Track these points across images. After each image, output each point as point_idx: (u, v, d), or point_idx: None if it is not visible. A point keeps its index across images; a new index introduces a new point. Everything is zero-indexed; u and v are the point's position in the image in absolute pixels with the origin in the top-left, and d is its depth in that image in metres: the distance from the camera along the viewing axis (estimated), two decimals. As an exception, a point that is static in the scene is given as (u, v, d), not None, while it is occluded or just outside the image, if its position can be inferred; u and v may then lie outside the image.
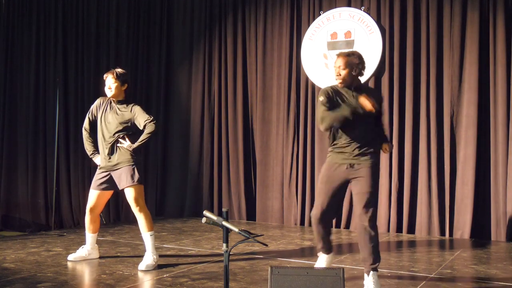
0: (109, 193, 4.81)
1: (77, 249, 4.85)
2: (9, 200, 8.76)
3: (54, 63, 8.51)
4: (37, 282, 4.00)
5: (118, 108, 4.65)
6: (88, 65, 8.32)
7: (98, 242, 4.94)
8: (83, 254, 4.78)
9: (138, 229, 4.69)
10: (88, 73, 8.29)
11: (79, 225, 8.02)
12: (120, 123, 4.61)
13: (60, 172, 8.31)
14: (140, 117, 4.58)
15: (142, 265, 4.47)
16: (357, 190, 3.89)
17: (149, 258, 4.53)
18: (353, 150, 3.90)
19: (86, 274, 4.42)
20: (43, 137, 8.54)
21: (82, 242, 4.99)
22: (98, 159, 4.73)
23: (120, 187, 4.65)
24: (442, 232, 6.34)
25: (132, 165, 4.58)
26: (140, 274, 4.32)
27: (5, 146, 8.82)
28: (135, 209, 4.60)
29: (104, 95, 4.73)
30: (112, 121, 4.62)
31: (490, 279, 4.31)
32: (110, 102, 4.70)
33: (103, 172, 4.69)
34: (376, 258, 3.84)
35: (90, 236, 4.82)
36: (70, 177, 8.35)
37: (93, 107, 4.79)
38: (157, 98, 8.10)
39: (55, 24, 8.55)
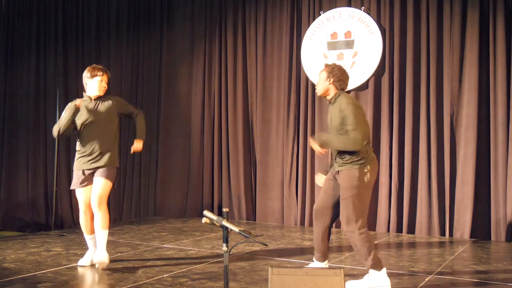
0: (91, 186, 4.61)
1: (77, 249, 4.84)
2: (9, 200, 8.76)
3: (54, 63, 8.50)
4: (37, 282, 4.00)
5: (103, 103, 4.64)
6: (88, 65, 8.27)
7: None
8: (92, 258, 4.59)
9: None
10: (88, 73, 8.27)
11: (79, 225, 8.01)
12: (114, 117, 4.60)
13: (60, 172, 8.31)
14: (129, 107, 4.77)
15: (97, 257, 4.37)
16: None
17: (103, 254, 4.41)
18: (335, 158, 4.07)
19: (86, 274, 4.42)
20: (43, 137, 8.54)
21: (82, 242, 4.98)
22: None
23: (96, 176, 4.48)
24: (442, 232, 6.34)
25: (115, 166, 4.56)
26: (140, 274, 4.31)
27: (5, 146, 8.81)
28: (99, 204, 4.43)
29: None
30: (106, 117, 4.56)
31: (490, 279, 4.31)
32: (90, 101, 4.66)
33: (86, 173, 4.53)
34: (362, 257, 3.93)
35: (89, 237, 4.63)
36: (70, 177, 8.33)
37: (74, 110, 4.57)
38: (157, 98, 8.09)
39: (55, 24, 8.55)
